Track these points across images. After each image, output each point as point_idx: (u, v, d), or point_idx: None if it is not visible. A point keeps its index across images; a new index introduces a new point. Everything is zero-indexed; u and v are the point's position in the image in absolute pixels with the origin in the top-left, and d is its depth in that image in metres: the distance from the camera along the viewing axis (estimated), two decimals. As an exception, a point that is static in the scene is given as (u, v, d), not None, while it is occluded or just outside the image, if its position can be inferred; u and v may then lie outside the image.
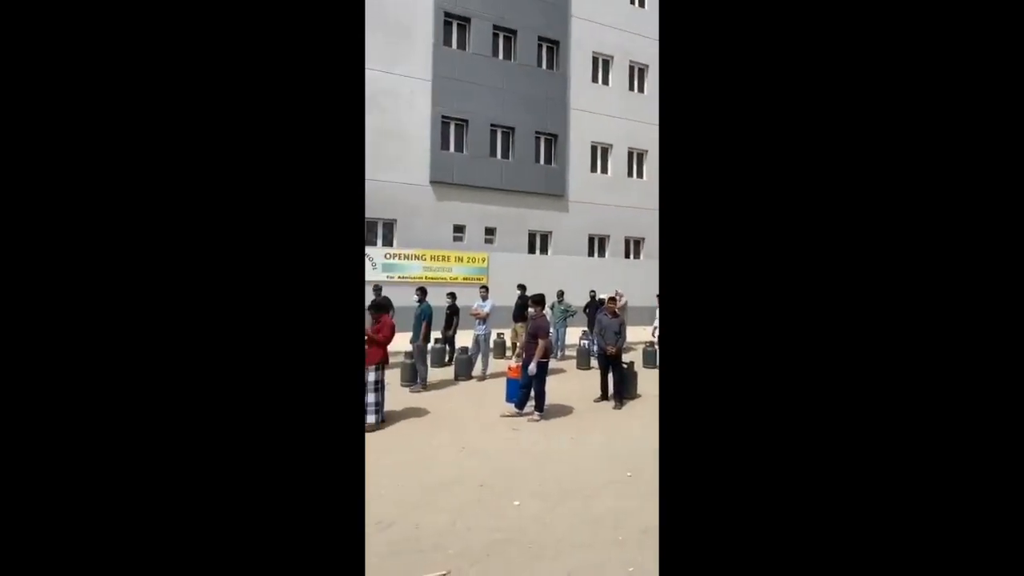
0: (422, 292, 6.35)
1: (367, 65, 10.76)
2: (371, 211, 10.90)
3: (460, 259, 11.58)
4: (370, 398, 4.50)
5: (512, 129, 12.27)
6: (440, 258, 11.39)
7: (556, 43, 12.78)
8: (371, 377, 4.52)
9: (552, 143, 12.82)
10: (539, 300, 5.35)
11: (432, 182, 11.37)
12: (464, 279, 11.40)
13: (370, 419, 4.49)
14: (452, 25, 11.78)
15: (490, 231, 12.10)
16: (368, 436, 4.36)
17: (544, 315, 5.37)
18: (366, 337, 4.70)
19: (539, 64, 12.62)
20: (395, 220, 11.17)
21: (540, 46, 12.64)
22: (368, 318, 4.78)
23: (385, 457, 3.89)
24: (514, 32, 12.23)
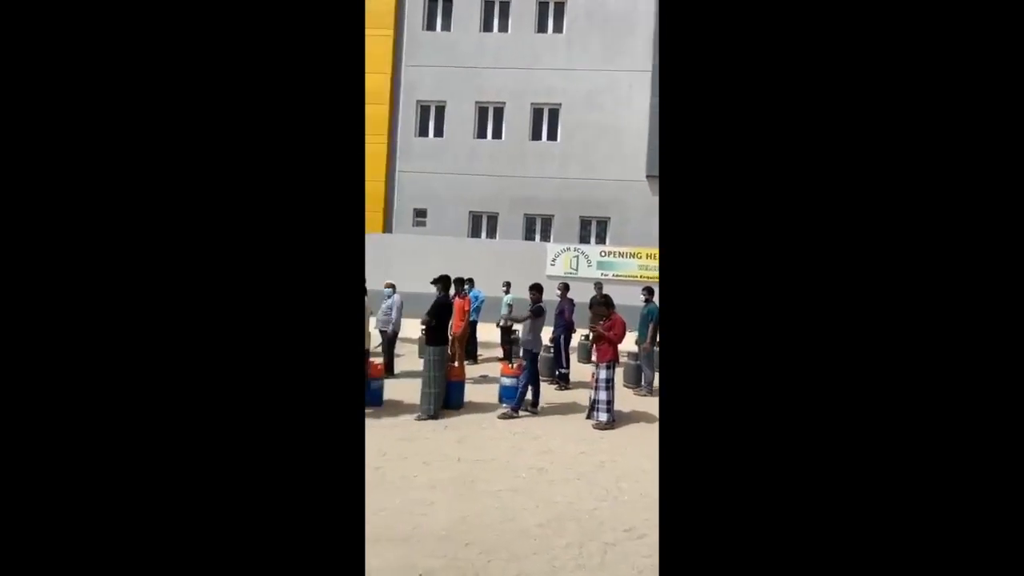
0: (648, 292, 6.06)
1: (583, 67, 11.00)
2: (585, 209, 11.11)
3: (677, 257, 10.82)
4: (603, 395, 4.48)
5: (742, 109, 10.84)
6: (656, 256, 10.86)
7: None
8: (603, 375, 4.49)
9: (794, 119, 10.85)
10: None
11: (649, 176, 10.92)
12: (681, 278, 10.61)
13: (602, 417, 4.47)
14: (674, 7, 11.07)
15: (712, 226, 10.97)
16: (602, 433, 4.35)
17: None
18: (596, 335, 4.70)
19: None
20: (609, 218, 11.13)
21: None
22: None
23: (621, 459, 3.79)
24: (748, -2, 10.77)
